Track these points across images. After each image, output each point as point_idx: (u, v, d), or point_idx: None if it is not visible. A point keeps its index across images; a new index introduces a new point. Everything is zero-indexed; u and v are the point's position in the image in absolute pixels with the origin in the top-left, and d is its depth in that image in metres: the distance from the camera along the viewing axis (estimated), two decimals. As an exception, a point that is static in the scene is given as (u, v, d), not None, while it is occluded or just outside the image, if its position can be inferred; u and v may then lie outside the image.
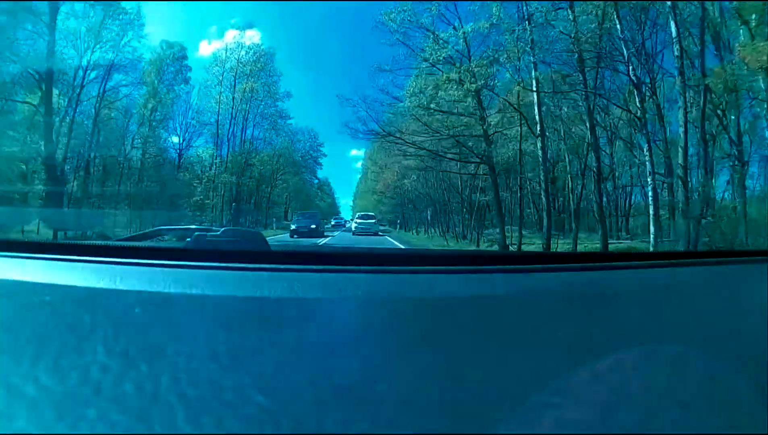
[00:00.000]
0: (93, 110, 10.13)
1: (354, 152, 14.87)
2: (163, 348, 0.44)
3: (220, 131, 12.49)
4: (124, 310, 0.59)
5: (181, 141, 12.21)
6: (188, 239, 1.19)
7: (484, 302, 0.70)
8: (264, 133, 13.13)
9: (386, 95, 9.63)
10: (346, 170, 16.38)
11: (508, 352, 0.48)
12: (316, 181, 14.99)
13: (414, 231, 12.99)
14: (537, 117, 8.66)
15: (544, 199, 8.51)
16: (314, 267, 0.83)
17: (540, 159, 8.69)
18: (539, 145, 8.62)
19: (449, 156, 10.10)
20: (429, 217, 12.30)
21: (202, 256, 0.92)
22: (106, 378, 0.37)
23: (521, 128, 9.46)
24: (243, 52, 12.45)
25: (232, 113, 12.52)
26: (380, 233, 11.43)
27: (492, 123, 9.19)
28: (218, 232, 1.32)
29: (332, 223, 14.95)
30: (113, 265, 0.84)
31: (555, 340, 0.51)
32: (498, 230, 9.63)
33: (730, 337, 0.57)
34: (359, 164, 14.97)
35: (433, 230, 11.89)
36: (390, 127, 10.05)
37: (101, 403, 0.33)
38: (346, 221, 14.78)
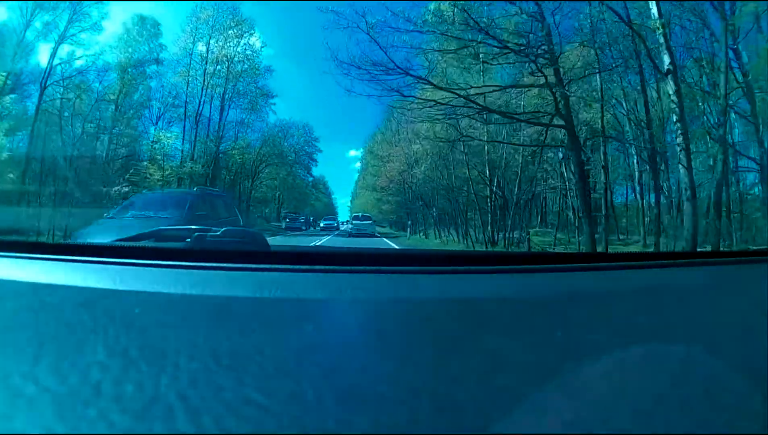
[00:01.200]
0: (37, 89, 7.97)
1: (353, 153, 13.80)
2: (163, 348, 0.44)
3: (186, 112, 9.72)
4: (124, 311, 0.59)
5: (154, 124, 9.62)
6: (188, 239, 1.18)
7: (485, 303, 0.70)
8: (243, 116, 10.51)
9: (401, 17, 5.67)
10: (345, 171, 15.13)
11: (508, 352, 0.48)
12: (310, 178, 13.25)
13: (422, 233, 10.85)
14: (662, 38, 5.21)
15: (686, 178, 5.19)
16: (314, 267, 0.83)
17: (675, 110, 5.18)
18: (671, 89, 5.22)
19: (509, 116, 6.20)
20: (435, 216, 9.83)
21: (202, 256, 0.92)
22: (106, 378, 0.37)
23: (599, 72, 5.64)
24: (218, 17, 9.68)
25: (202, 90, 9.75)
26: (377, 234, 10.74)
27: (569, 65, 5.56)
28: (218, 232, 1.32)
29: (321, 224, 12.84)
30: (113, 265, 0.84)
31: (555, 341, 0.51)
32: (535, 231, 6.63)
33: (730, 337, 0.57)
34: (358, 164, 13.81)
35: (447, 233, 9.44)
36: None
37: (101, 403, 0.33)
38: (340, 222, 13.16)
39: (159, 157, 9.66)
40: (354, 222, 10.90)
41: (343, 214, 14.52)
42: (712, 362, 0.46)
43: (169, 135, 9.94)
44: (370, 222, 10.91)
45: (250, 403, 0.34)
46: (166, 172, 9.56)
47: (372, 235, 10.42)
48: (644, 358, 0.47)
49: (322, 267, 0.83)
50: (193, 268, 0.82)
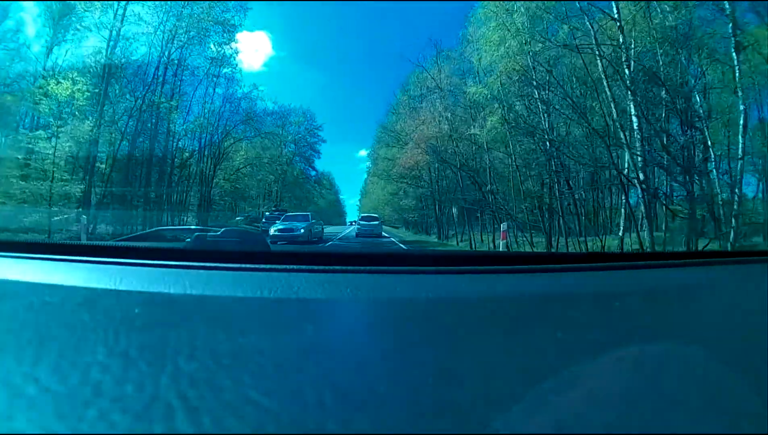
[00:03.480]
0: None
1: (362, 153, 12.41)
2: (163, 348, 0.44)
3: (105, 54, 5.42)
4: (124, 311, 0.59)
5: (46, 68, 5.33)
6: (188, 239, 1.19)
7: (485, 303, 0.70)
8: (195, 62, 6.18)
9: None
10: (354, 171, 13.56)
11: (508, 352, 0.48)
12: (313, 172, 10.66)
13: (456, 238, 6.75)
14: None
15: None
16: (314, 267, 0.83)
17: None
18: None
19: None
20: (502, 211, 5.36)
21: (202, 256, 0.92)
22: (106, 378, 0.37)
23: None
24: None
25: (123, 13, 5.22)
26: (385, 235, 10.29)
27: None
28: (218, 233, 1.33)
29: (272, 230, 7.45)
30: (113, 265, 0.84)
31: (555, 341, 0.51)
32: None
33: (730, 337, 0.57)
34: (368, 164, 12.58)
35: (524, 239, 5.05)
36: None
37: (101, 403, 0.33)
38: (311, 224, 8.49)
39: (51, 118, 5.52)
40: (360, 223, 10.72)
41: (352, 214, 13.67)
42: (712, 362, 0.46)
43: (63, 84, 5.55)
44: (377, 223, 10.70)
45: (250, 403, 0.34)
46: (61, 141, 5.50)
47: (379, 235, 9.67)
48: (644, 358, 0.47)
49: (322, 267, 0.83)
50: (193, 268, 0.82)
